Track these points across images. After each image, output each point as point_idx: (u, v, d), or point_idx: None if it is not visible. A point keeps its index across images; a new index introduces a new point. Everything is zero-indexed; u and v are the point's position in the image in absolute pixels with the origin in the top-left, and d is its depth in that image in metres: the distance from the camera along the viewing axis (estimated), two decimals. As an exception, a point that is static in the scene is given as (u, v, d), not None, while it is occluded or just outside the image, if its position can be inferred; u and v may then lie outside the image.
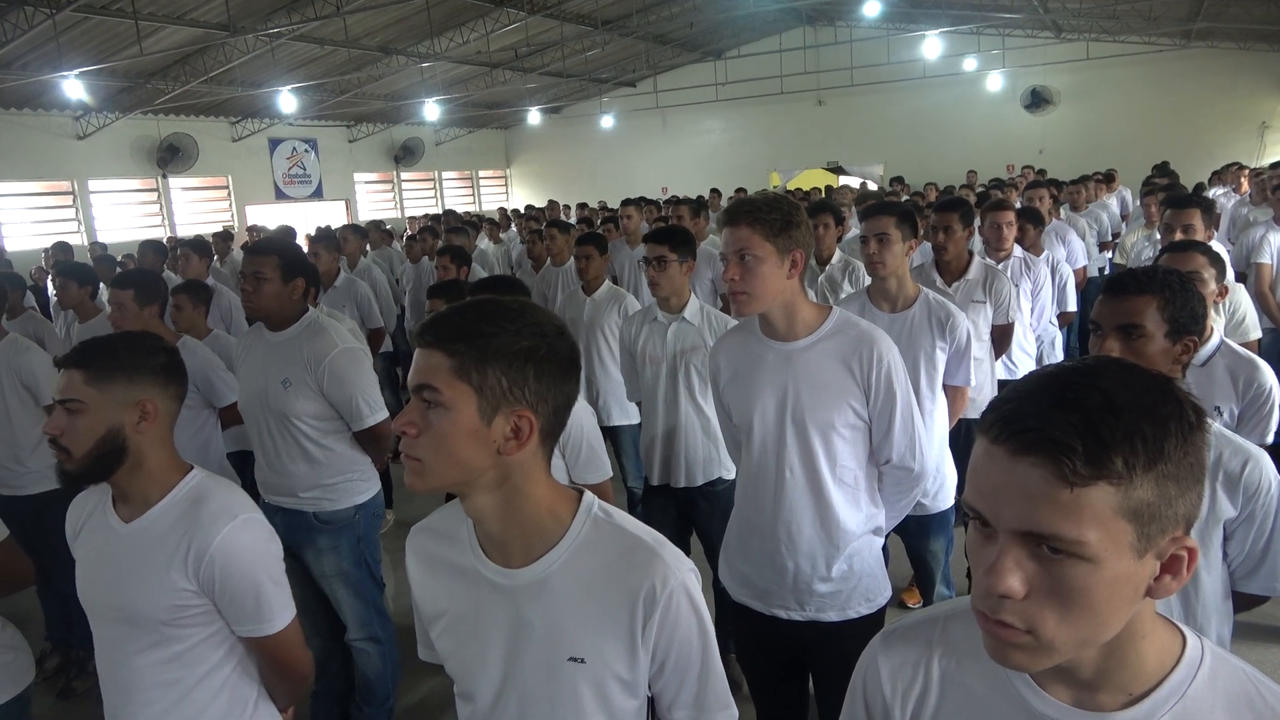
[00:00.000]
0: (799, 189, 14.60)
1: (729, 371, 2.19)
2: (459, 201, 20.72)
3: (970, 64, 17.06)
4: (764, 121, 19.65)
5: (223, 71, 12.54)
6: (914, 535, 3.12)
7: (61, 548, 3.69)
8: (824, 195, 10.75)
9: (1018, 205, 5.55)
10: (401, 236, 10.84)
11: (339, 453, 3.07)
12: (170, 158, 14.35)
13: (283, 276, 2.92)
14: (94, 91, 11.61)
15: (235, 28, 10.85)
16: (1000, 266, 4.15)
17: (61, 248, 7.80)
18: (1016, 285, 4.23)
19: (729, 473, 3.26)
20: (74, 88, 10.41)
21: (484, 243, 9.66)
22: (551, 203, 13.47)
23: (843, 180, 17.29)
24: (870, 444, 2.10)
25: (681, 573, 1.19)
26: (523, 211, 12.31)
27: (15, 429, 3.82)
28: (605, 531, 1.21)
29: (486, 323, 1.13)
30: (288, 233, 7.86)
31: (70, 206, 13.62)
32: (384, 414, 3.10)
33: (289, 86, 12.76)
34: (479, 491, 1.17)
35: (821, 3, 15.98)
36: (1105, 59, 16.06)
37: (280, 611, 1.71)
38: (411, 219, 14.88)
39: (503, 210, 13.94)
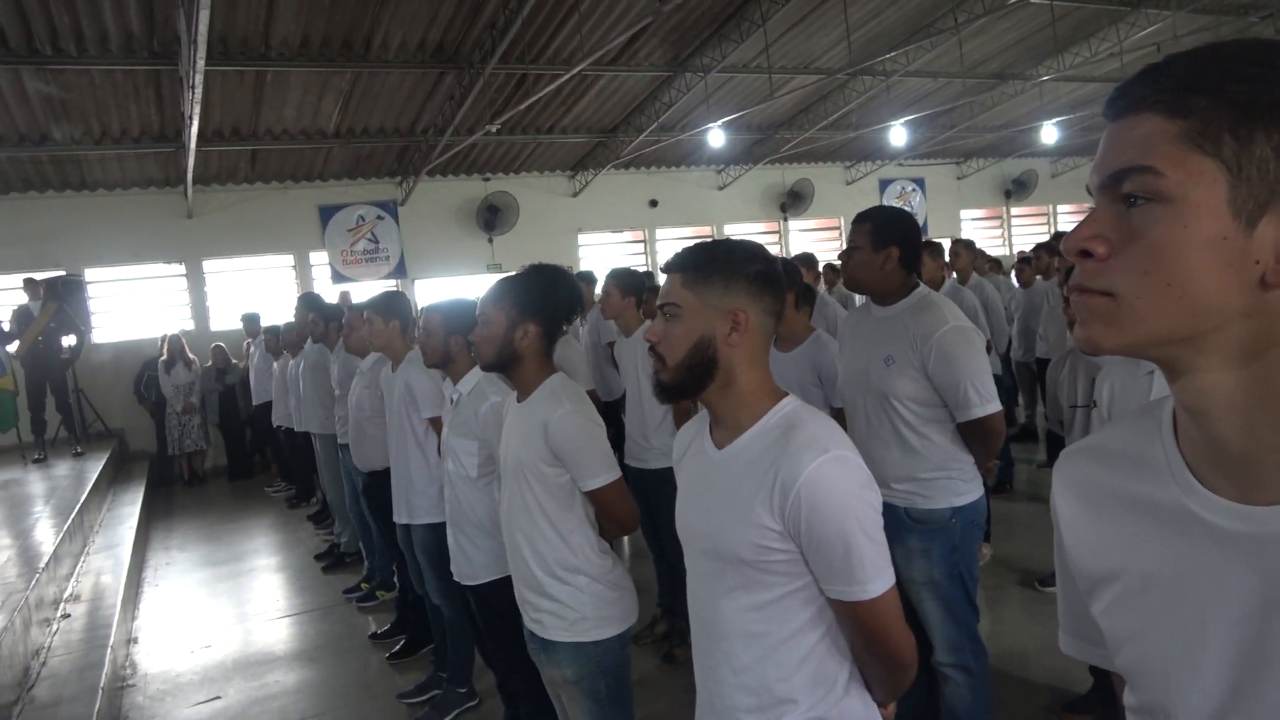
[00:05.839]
0: None
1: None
2: (1075, 236, 18.97)
3: None
4: None
5: (840, 115, 13.24)
6: None
7: (673, 522, 3.98)
8: None
9: None
10: (1009, 270, 10.18)
11: (938, 444, 2.75)
12: (792, 202, 15.62)
13: (873, 244, 2.73)
14: (731, 145, 13.13)
15: (856, 69, 11.32)
16: None
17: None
18: None
19: None
20: (716, 137, 11.85)
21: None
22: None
23: None
24: None
25: None
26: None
27: (645, 408, 4.25)
28: None
29: (1244, 62, 0.67)
30: None
31: (711, 249, 15.68)
32: (996, 406, 2.70)
33: (899, 120, 12.93)
34: (1212, 360, 0.70)
35: None
36: None
37: (875, 575, 1.40)
38: (1020, 252, 14.00)
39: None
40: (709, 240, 1.62)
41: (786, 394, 1.54)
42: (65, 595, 5.27)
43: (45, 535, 5.62)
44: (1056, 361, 3.73)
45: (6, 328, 8.76)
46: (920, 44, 11.13)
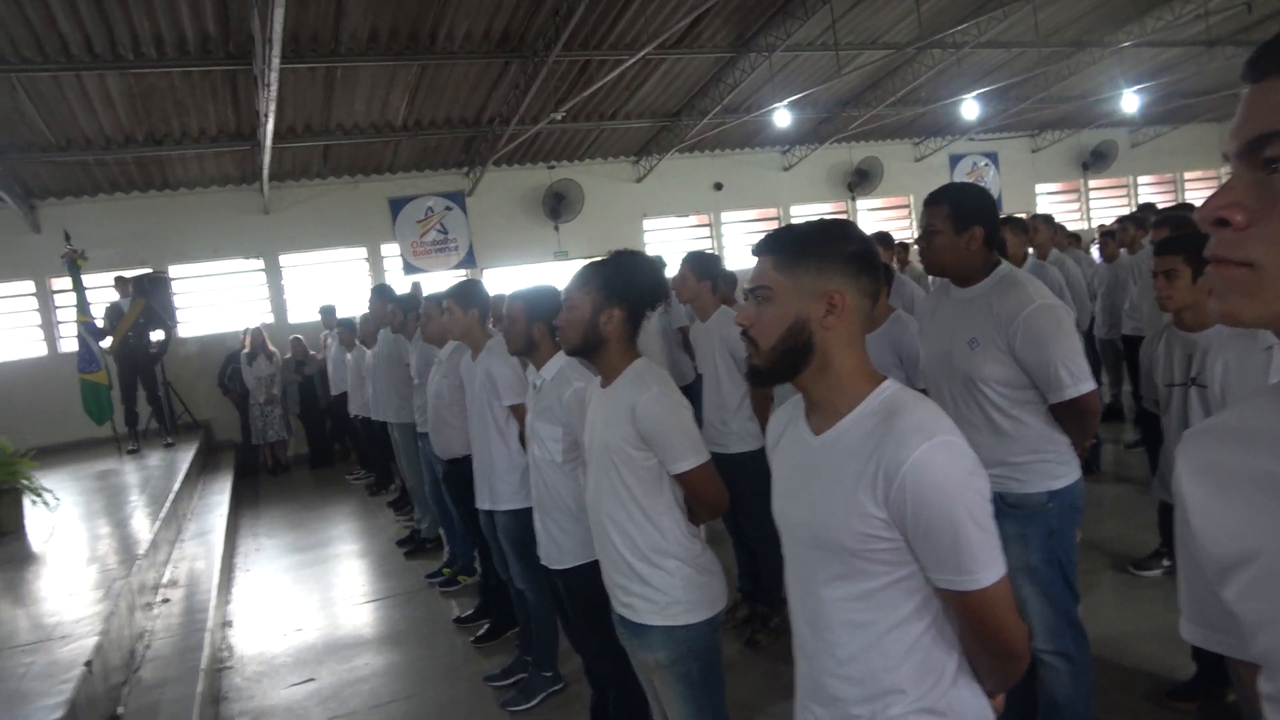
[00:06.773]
0: None
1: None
2: (1157, 208, 18.24)
3: None
4: None
5: (909, 91, 12.94)
6: None
7: (752, 506, 3.97)
8: None
9: None
10: (1089, 245, 9.83)
11: (1031, 427, 2.68)
12: (859, 181, 15.36)
13: (954, 226, 2.66)
14: (797, 125, 12.93)
15: (925, 42, 11.03)
16: None
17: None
18: None
19: None
20: (782, 117, 11.68)
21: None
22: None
23: None
24: None
25: None
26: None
27: (723, 392, 4.22)
28: None
29: None
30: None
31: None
32: (1089, 385, 2.61)
33: (971, 94, 12.57)
34: None
35: None
36: None
37: (986, 564, 1.35)
38: (1102, 226, 13.54)
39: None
40: (800, 223, 1.59)
41: (885, 377, 1.50)
42: (163, 581, 5.48)
43: (142, 524, 5.86)
44: (1151, 338, 3.60)
45: (100, 324, 9.12)
46: (992, 14, 10.79)
